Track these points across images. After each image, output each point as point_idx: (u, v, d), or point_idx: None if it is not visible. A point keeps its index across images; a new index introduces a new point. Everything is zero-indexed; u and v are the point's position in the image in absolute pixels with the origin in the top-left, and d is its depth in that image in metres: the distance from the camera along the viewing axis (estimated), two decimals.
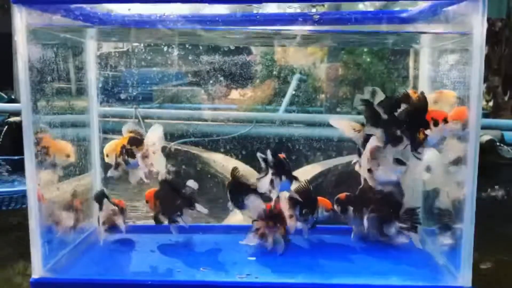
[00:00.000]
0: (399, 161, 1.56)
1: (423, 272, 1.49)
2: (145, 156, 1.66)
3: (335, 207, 1.70)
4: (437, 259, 1.57)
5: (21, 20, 1.32)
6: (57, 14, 1.46)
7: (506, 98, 6.97)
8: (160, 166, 1.67)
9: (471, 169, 1.30)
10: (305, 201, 1.65)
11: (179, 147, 4.09)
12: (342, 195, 1.71)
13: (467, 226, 1.33)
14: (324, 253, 1.64)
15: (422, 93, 1.52)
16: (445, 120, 1.47)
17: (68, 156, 1.61)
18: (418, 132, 1.50)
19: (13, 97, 7.44)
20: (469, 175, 1.31)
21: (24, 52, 1.33)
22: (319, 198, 1.70)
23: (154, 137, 1.67)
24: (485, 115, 6.17)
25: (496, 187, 3.91)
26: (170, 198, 1.68)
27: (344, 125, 1.66)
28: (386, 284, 1.40)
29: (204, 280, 1.43)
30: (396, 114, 1.51)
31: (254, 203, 1.63)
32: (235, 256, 1.60)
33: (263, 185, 1.60)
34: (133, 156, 1.66)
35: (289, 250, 1.63)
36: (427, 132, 1.49)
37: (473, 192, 1.31)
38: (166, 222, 1.71)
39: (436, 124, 1.48)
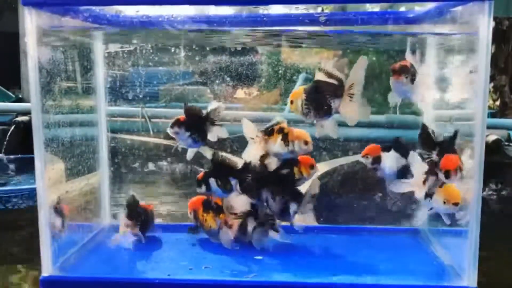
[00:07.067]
0: None
1: (428, 272, 1.49)
2: None
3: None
4: (442, 259, 1.58)
5: (31, 21, 1.33)
6: (67, 16, 1.48)
7: None
8: None
9: (478, 169, 1.30)
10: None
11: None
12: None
13: (472, 226, 1.33)
14: (328, 252, 1.65)
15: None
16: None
17: (306, 143, 1.59)
18: None
19: (20, 96, 7.48)
20: (476, 175, 1.31)
21: (34, 53, 1.35)
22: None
23: None
24: (492, 115, 6.14)
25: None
26: None
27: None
28: (391, 283, 1.40)
29: (211, 279, 1.44)
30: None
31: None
32: (241, 255, 1.61)
33: None
34: None
35: (292, 250, 1.64)
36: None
37: (479, 192, 1.32)
38: None
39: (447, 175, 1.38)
